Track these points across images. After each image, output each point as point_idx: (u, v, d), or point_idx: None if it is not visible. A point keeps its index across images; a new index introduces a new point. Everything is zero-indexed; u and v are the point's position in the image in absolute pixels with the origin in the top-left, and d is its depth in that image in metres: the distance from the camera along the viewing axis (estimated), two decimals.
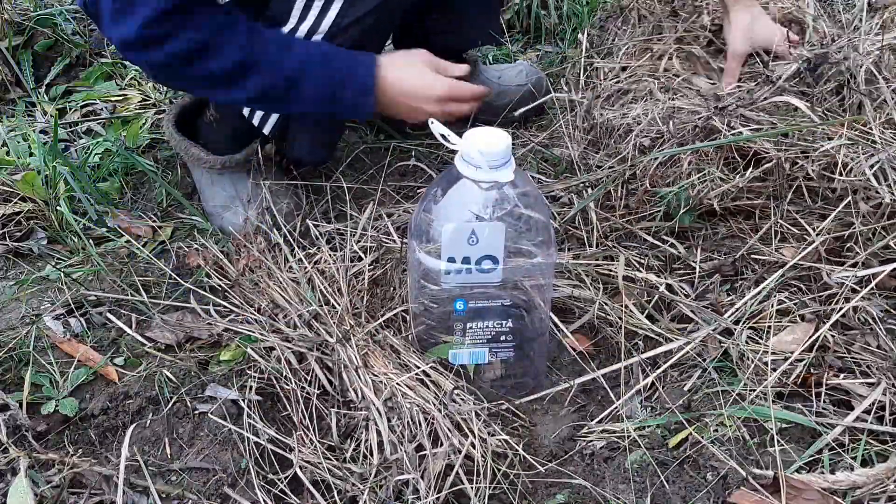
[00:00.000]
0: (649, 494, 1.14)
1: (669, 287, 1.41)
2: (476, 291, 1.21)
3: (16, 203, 1.67)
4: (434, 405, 1.17)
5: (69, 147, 1.90)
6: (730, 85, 1.65)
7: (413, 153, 1.80)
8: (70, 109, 2.05)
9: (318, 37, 1.43)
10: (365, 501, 1.10)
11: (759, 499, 1.09)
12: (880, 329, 1.28)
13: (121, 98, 2.07)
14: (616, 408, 1.25)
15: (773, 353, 1.27)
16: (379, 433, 1.15)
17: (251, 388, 1.26)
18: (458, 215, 1.16)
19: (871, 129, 1.40)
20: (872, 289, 1.30)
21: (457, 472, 1.11)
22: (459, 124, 1.22)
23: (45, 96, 2.12)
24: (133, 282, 1.49)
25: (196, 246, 1.56)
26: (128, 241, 1.59)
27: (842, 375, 1.24)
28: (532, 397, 1.29)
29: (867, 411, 1.18)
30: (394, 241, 1.46)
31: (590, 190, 1.56)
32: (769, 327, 1.31)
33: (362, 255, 1.44)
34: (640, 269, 1.43)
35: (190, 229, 1.64)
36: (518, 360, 1.28)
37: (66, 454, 1.18)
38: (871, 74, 1.48)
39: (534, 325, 1.27)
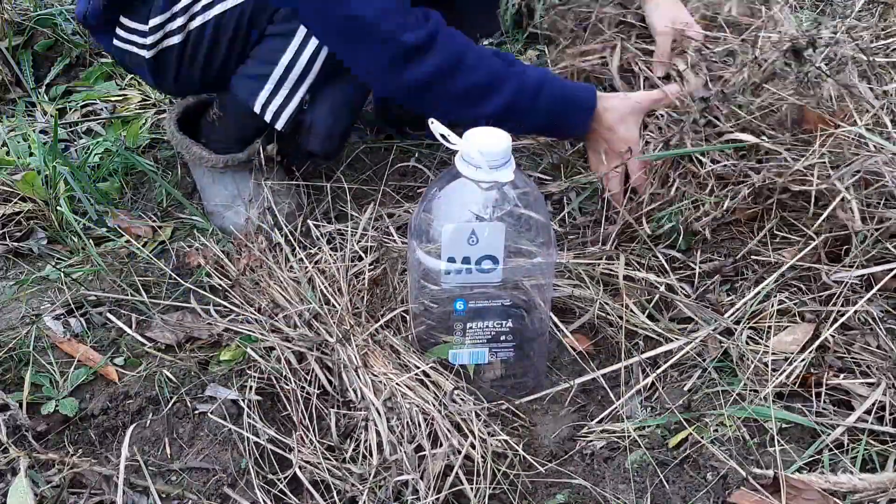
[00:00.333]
0: (649, 494, 1.14)
1: (669, 287, 1.41)
2: (476, 291, 1.21)
3: (16, 203, 1.67)
4: (434, 405, 1.17)
5: (69, 147, 1.90)
6: (662, 63, 1.67)
7: (413, 153, 1.80)
8: (70, 109, 2.05)
9: None
10: (364, 502, 1.10)
11: (759, 499, 1.09)
12: (880, 329, 1.28)
13: (121, 98, 2.07)
14: (616, 408, 1.25)
15: (773, 353, 1.27)
16: (378, 433, 1.15)
17: (251, 388, 1.26)
18: (459, 215, 1.16)
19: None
20: (872, 288, 1.30)
21: (456, 473, 1.11)
22: (459, 124, 1.22)
23: (45, 96, 2.12)
24: (133, 282, 1.49)
25: (196, 245, 1.56)
26: (128, 241, 1.59)
27: (842, 375, 1.24)
28: (532, 397, 1.29)
29: (868, 411, 1.18)
30: (394, 241, 1.46)
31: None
32: (769, 327, 1.31)
33: (363, 255, 1.44)
34: (640, 268, 1.43)
35: (190, 229, 1.64)
36: (518, 360, 1.28)
37: (66, 454, 1.18)
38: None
39: (534, 325, 1.27)
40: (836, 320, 1.28)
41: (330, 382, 1.25)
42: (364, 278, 1.39)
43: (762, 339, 1.30)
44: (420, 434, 1.14)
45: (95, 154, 1.84)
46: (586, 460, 1.20)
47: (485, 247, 1.16)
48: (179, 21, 1.49)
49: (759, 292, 1.35)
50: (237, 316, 1.39)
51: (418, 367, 1.23)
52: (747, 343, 1.30)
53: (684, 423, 1.21)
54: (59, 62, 2.20)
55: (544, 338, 1.30)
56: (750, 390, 1.23)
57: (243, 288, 1.43)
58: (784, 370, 1.25)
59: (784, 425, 1.19)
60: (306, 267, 1.42)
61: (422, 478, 1.10)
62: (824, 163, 1.37)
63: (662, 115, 1.53)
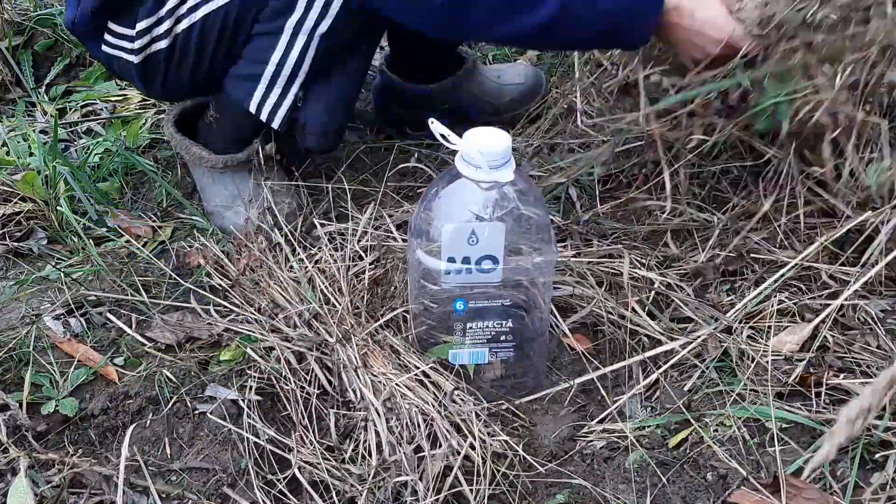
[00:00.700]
0: (649, 494, 1.14)
1: (669, 286, 1.40)
2: (476, 291, 1.21)
3: (16, 203, 1.67)
4: (433, 406, 1.17)
5: (69, 147, 1.90)
6: None
7: (413, 153, 1.80)
8: (70, 109, 2.05)
9: (326, 22, 1.43)
10: (363, 502, 1.10)
11: (759, 499, 1.09)
12: (880, 329, 1.28)
13: (121, 98, 2.07)
14: (616, 408, 1.25)
15: (773, 353, 1.27)
16: (378, 434, 1.15)
17: (251, 388, 1.26)
18: (459, 215, 1.16)
19: None
20: (872, 288, 1.30)
21: (455, 474, 1.11)
22: (459, 125, 1.22)
23: (45, 96, 2.12)
24: (133, 282, 1.49)
25: (196, 245, 1.56)
26: (128, 241, 1.59)
27: (842, 375, 1.24)
28: (532, 397, 1.29)
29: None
30: (394, 240, 1.46)
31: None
32: (769, 327, 1.31)
33: (363, 255, 1.44)
34: (641, 267, 1.43)
35: (190, 229, 1.64)
36: (518, 360, 1.28)
37: (66, 454, 1.18)
38: None
39: (534, 325, 1.27)
40: (836, 320, 1.28)
41: (330, 382, 1.25)
42: (364, 278, 1.39)
43: (762, 339, 1.30)
44: (419, 435, 1.14)
45: (95, 154, 1.84)
46: (586, 460, 1.20)
47: (485, 247, 1.16)
48: (166, 25, 1.49)
49: (759, 292, 1.35)
50: (237, 316, 1.39)
51: (418, 368, 1.23)
52: (747, 343, 1.30)
53: (684, 423, 1.21)
54: (59, 62, 2.20)
55: (544, 338, 1.30)
56: (750, 390, 1.23)
57: (243, 288, 1.43)
58: (784, 370, 1.25)
59: (784, 425, 1.19)
60: (306, 267, 1.42)
61: (421, 478, 1.10)
62: None
63: None
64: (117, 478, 1.13)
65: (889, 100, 1.34)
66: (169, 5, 1.47)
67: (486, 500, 1.11)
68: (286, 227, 1.53)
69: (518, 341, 1.26)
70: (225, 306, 1.42)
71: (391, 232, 1.49)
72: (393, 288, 1.38)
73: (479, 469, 1.12)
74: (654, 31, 1.33)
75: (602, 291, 1.39)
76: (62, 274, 1.50)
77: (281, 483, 1.15)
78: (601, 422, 1.25)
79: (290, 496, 1.14)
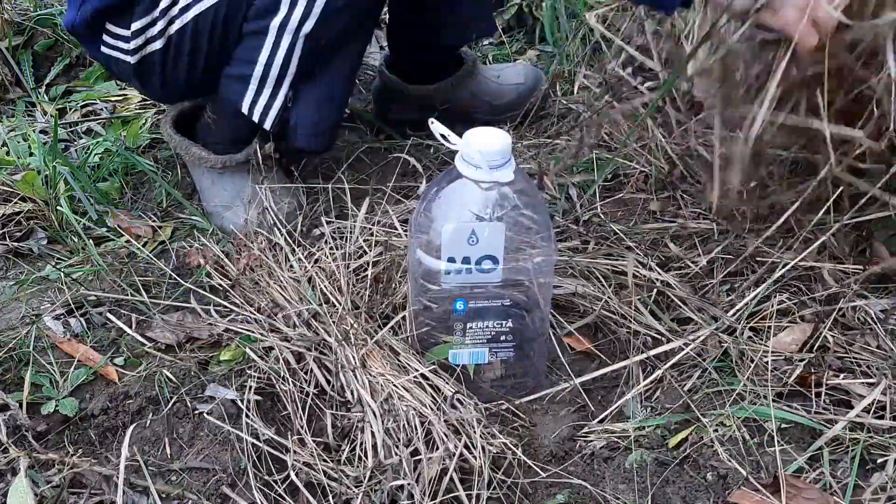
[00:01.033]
0: (649, 494, 1.14)
1: (669, 286, 1.40)
2: (476, 291, 1.21)
3: (16, 203, 1.67)
4: (431, 408, 1.16)
5: (69, 147, 1.90)
6: None
7: (413, 153, 1.80)
8: (70, 109, 2.05)
9: (310, 22, 1.42)
10: None
11: (759, 499, 1.09)
12: (880, 329, 1.28)
13: (121, 98, 2.07)
14: (616, 408, 1.25)
15: (773, 353, 1.27)
16: (374, 435, 1.15)
17: (250, 388, 1.26)
18: (458, 215, 1.16)
19: None
20: (872, 287, 1.30)
21: (451, 477, 1.11)
22: (459, 125, 1.22)
23: (45, 96, 2.12)
24: (133, 282, 1.49)
25: (196, 246, 1.56)
26: (128, 241, 1.59)
27: (842, 375, 1.24)
28: (532, 397, 1.29)
29: (867, 410, 1.18)
30: (394, 240, 1.46)
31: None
32: (769, 327, 1.31)
33: (363, 254, 1.44)
34: (643, 267, 1.43)
35: (190, 229, 1.64)
36: (518, 360, 1.28)
37: (66, 454, 1.18)
38: None
39: (534, 325, 1.27)
40: (836, 320, 1.28)
41: (328, 382, 1.25)
42: (365, 276, 1.39)
43: (762, 339, 1.30)
44: (417, 437, 1.13)
45: (95, 154, 1.83)
46: (586, 460, 1.20)
47: (485, 247, 1.16)
48: (159, 25, 1.49)
49: (759, 292, 1.35)
50: (237, 316, 1.39)
51: (417, 370, 1.23)
52: (747, 343, 1.30)
53: (684, 423, 1.21)
54: (59, 62, 2.20)
55: (544, 338, 1.30)
56: (750, 390, 1.23)
57: (243, 288, 1.43)
58: (784, 370, 1.25)
59: (784, 425, 1.19)
60: (306, 266, 1.42)
61: (417, 482, 1.10)
62: None
63: None
64: (117, 478, 1.13)
65: None
66: (162, 6, 1.47)
67: (484, 503, 1.11)
68: (286, 226, 1.53)
69: (518, 341, 1.26)
70: (225, 306, 1.42)
71: (394, 228, 1.49)
72: (393, 286, 1.38)
73: (477, 472, 1.12)
74: None
75: (609, 290, 1.39)
76: (62, 274, 1.49)
77: (278, 484, 1.15)
78: (601, 422, 1.25)
79: (288, 498, 1.14)
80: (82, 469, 1.16)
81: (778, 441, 1.15)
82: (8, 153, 1.82)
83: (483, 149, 1.11)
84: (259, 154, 1.61)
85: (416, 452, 1.13)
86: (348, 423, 1.19)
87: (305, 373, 1.26)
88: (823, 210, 1.34)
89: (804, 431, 1.19)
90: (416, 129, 1.85)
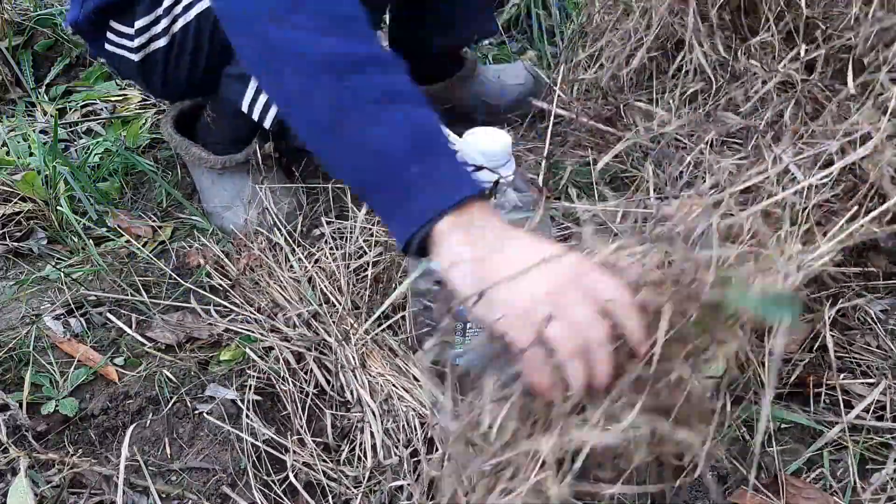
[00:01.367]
0: (649, 495, 1.13)
1: None
2: None
3: (16, 203, 1.67)
4: (430, 409, 1.16)
5: (69, 147, 1.90)
6: None
7: None
8: (70, 109, 2.05)
9: None
10: None
11: (759, 499, 1.09)
12: (880, 329, 1.28)
13: (121, 98, 2.07)
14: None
15: (772, 353, 1.27)
16: (373, 436, 1.15)
17: (251, 388, 1.26)
18: None
19: None
20: (871, 286, 1.30)
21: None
22: (459, 125, 1.22)
23: (45, 96, 2.12)
24: (133, 282, 1.49)
25: (196, 246, 1.56)
26: (128, 241, 1.59)
27: (842, 375, 1.24)
28: None
29: (867, 409, 1.18)
30: (394, 240, 1.46)
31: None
32: (769, 327, 1.31)
33: (363, 254, 1.44)
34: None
35: (190, 229, 1.64)
36: None
37: (66, 454, 1.18)
38: None
39: None
40: (836, 320, 1.28)
41: (328, 382, 1.25)
42: (365, 276, 1.39)
43: (762, 339, 1.30)
44: (416, 438, 1.13)
45: (95, 154, 1.84)
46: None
47: None
48: (163, 23, 1.49)
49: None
50: (237, 316, 1.39)
51: (416, 370, 1.23)
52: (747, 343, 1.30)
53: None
54: (59, 62, 2.20)
55: None
56: (750, 390, 1.23)
57: (243, 288, 1.43)
58: (784, 370, 1.25)
59: (784, 425, 1.19)
60: (306, 266, 1.42)
61: (416, 482, 1.10)
62: None
63: None
64: (117, 478, 1.13)
65: None
66: (165, 4, 1.47)
67: None
68: (286, 226, 1.53)
69: None
70: (225, 306, 1.42)
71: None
72: (393, 286, 1.38)
73: None
74: (423, 235, 0.87)
75: None
76: (62, 274, 1.50)
77: (276, 485, 1.15)
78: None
79: (288, 498, 1.14)
80: (82, 469, 1.16)
81: (778, 441, 1.15)
82: (8, 153, 1.82)
83: (483, 149, 1.11)
84: (259, 154, 1.61)
85: (415, 453, 1.13)
86: (348, 424, 1.19)
87: (305, 373, 1.26)
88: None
89: (804, 431, 1.19)
90: None
